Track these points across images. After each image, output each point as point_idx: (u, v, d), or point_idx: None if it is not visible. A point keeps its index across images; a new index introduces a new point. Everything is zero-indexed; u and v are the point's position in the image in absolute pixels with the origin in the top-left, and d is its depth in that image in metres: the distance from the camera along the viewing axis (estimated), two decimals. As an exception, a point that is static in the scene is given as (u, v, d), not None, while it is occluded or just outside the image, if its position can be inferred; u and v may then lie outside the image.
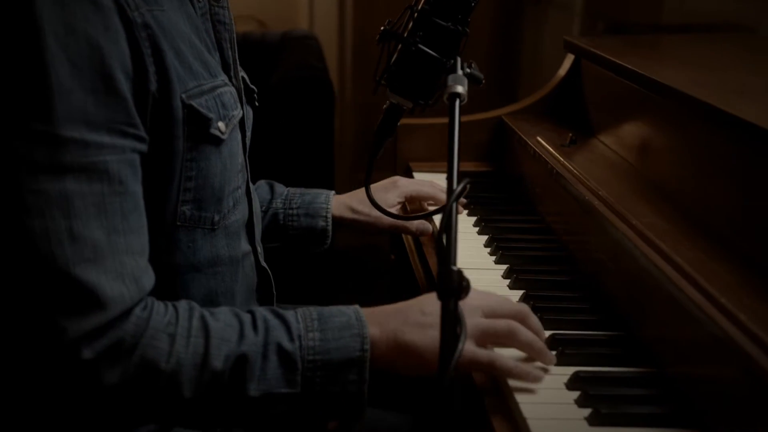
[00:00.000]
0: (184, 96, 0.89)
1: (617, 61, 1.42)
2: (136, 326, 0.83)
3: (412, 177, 1.69)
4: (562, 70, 1.70)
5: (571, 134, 1.50)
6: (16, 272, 0.81)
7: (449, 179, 0.93)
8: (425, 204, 1.45)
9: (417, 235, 1.39)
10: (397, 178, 1.44)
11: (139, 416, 0.92)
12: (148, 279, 0.87)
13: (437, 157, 1.70)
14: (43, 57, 0.78)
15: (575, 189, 1.25)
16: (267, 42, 3.30)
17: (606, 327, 1.05)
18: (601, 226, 1.14)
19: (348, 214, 1.35)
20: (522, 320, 0.95)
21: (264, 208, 1.32)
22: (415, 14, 0.99)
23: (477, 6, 1.00)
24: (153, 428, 0.98)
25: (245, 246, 1.07)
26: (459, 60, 1.00)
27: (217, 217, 0.97)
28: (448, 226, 0.82)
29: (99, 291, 0.81)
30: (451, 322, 0.74)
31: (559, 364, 0.95)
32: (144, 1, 0.85)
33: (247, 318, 0.89)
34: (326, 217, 1.32)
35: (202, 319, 0.87)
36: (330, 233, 1.33)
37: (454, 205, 0.85)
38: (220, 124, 0.94)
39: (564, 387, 0.92)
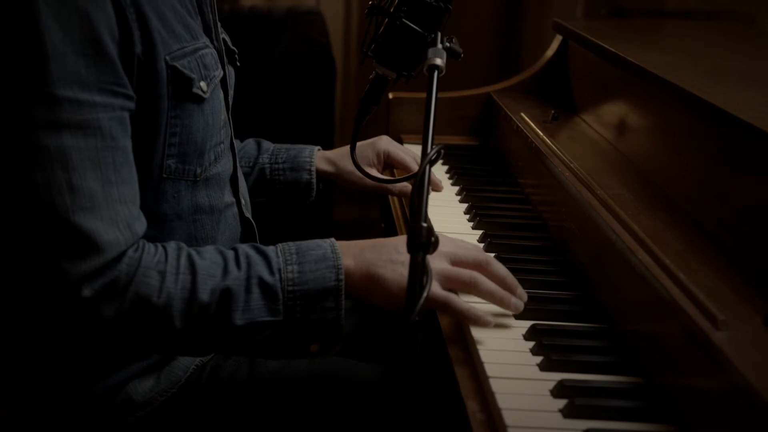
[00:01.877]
0: (167, 58, 0.97)
1: (598, 42, 1.49)
2: (128, 266, 0.92)
3: (402, 147, 1.76)
4: (550, 51, 1.77)
5: (553, 111, 1.57)
6: (20, 222, 0.90)
7: (424, 145, 1.00)
8: (396, 171, 1.50)
9: (399, 196, 1.46)
10: (382, 137, 1.49)
11: (137, 346, 1.02)
12: (140, 225, 0.95)
13: (427, 130, 1.77)
14: (37, 25, 0.86)
15: (550, 162, 1.33)
16: (273, 16, 3.36)
17: (568, 288, 1.13)
18: (570, 196, 1.22)
19: (331, 168, 1.41)
20: (484, 267, 1.03)
21: (251, 163, 1.39)
22: (400, -10, 1.07)
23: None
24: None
25: (229, 197, 1.15)
26: (439, 34, 1.07)
27: (199, 170, 1.05)
28: (420, 187, 0.90)
29: (96, 236, 0.89)
30: (419, 274, 0.83)
31: (519, 318, 1.03)
32: None
33: (230, 255, 0.98)
34: (310, 170, 1.39)
35: (189, 257, 0.96)
36: (314, 186, 1.40)
37: (427, 167, 0.93)
38: (202, 84, 1.02)
39: (522, 338, 1.00)
